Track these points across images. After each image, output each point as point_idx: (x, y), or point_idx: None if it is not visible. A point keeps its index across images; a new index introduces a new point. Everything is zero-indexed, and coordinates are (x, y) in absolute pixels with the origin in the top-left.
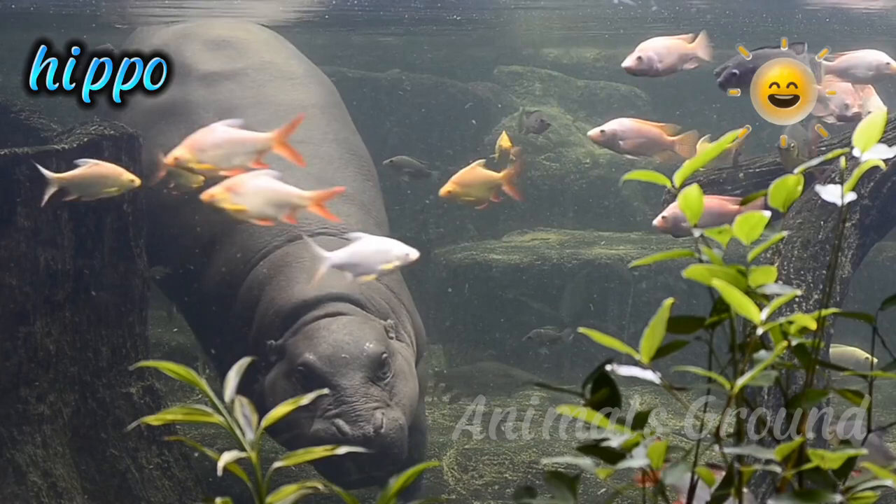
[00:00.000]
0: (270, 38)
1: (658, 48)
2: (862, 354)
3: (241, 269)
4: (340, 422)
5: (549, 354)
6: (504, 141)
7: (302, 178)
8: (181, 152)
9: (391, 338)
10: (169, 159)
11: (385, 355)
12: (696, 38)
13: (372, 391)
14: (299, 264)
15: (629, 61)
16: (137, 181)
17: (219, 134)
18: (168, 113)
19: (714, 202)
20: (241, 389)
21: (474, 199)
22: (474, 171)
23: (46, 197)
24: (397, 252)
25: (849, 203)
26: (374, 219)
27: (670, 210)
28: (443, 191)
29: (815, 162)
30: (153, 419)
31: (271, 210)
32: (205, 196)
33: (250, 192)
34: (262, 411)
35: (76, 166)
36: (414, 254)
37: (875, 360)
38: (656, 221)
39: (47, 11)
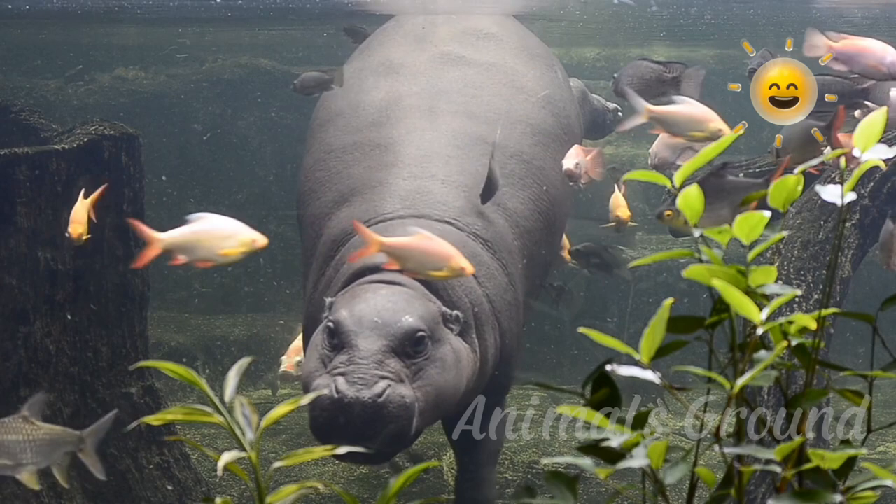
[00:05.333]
0: (536, 51)
1: None
2: None
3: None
4: (341, 380)
5: (550, 354)
6: None
7: (465, 174)
8: None
9: (448, 328)
10: None
11: (422, 334)
12: None
13: (389, 362)
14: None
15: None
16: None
17: None
18: (384, 71)
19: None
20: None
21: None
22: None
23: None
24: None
25: (849, 203)
26: (521, 242)
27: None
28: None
29: (814, 162)
30: (153, 419)
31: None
32: None
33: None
34: None
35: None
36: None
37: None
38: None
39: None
